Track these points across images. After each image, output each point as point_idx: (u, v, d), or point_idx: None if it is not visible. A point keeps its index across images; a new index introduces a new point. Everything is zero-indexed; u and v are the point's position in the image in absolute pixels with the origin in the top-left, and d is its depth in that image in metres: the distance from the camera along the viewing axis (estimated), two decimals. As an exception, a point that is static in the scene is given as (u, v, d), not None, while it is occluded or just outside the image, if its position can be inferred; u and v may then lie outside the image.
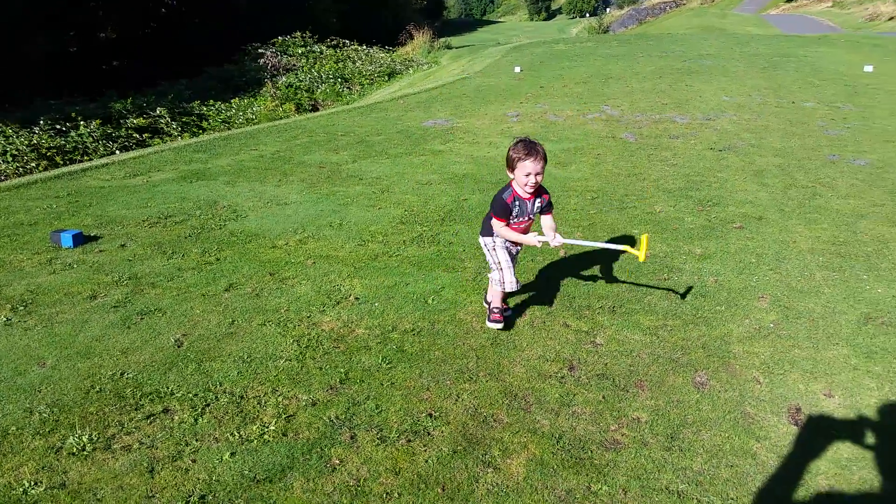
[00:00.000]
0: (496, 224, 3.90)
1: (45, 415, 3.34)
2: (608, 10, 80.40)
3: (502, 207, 3.83)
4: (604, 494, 2.85)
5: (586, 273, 5.00)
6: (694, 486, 2.90)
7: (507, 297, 4.31)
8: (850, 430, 3.27)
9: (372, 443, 3.17)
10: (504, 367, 3.80)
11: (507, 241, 4.02)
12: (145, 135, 16.10)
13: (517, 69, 15.97)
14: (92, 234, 5.71)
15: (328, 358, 3.89)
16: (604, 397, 3.53)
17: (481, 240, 4.14)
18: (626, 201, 6.63)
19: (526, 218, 3.94)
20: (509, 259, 4.06)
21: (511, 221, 3.90)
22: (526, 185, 3.73)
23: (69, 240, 5.41)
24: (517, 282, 4.05)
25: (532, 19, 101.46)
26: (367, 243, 5.62)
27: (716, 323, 4.28)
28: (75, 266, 5.09)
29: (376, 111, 11.85)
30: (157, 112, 17.31)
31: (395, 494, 2.84)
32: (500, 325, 4.16)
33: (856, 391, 3.57)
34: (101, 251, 5.39)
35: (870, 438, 3.22)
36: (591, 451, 3.12)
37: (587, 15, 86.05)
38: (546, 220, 4.01)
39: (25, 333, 4.12)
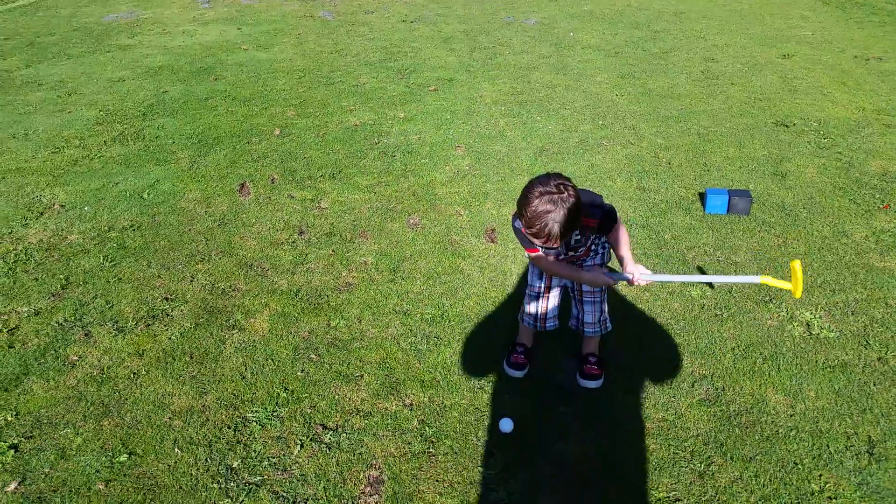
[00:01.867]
0: (528, 257, 2.68)
1: None
2: None
3: (520, 238, 2.53)
4: (342, 327, 3.21)
5: (303, 147, 5.17)
6: (415, 304, 3.38)
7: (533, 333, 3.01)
8: (533, 237, 3.98)
9: (109, 335, 3.15)
10: (236, 244, 3.92)
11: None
12: None
13: (201, -47, 14.79)
14: None
15: (43, 268, 3.67)
16: (333, 251, 3.84)
17: None
18: (332, 77, 6.80)
19: (556, 254, 2.63)
20: (541, 285, 2.81)
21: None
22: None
23: None
24: (541, 320, 2.84)
25: None
26: (62, 150, 5.16)
27: (422, 173, 4.76)
28: None
29: (43, 9, 10.34)
30: None
31: (143, 372, 2.92)
32: (514, 372, 2.91)
33: (536, 208, 4.29)
34: None
35: (547, 241, 3.95)
36: (328, 297, 3.44)
37: None
38: (614, 244, 2.57)
39: None
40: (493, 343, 3.10)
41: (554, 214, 2.18)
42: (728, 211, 4.18)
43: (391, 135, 5.41)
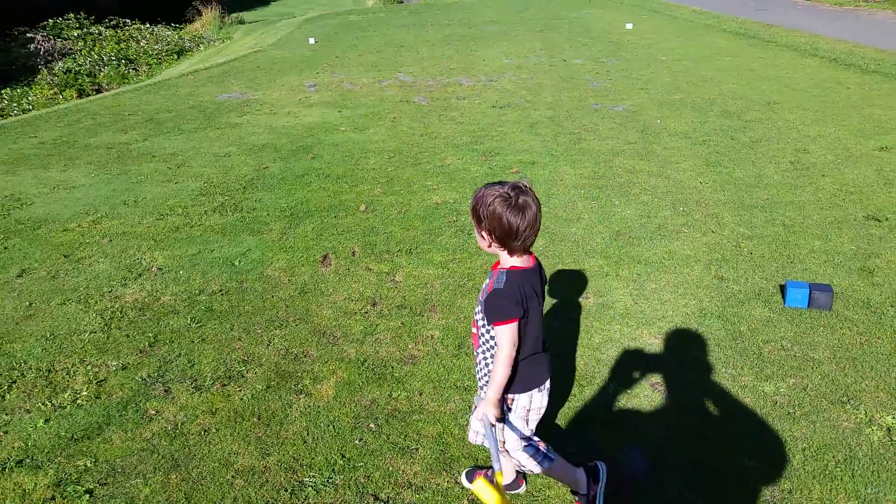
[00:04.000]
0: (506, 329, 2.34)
1: None
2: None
3: (509, 303, 2.32)
4: (403, 399, 3.28)
5: (384, 223, 5.40)
6: (477, 380, 3.41)
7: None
8: (602, 320, 3.97)
9: (187, 392, 3.35)
10: (312, 312, 4.11)
11: None
12: None
13: (312, 41, 15.98)
14: None
15: (135, 326, 3.97)
16: (402, 323, 3.96)
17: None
18: (420, 158, 7.11)
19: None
20: None
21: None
22: None
23: None
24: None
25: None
26: (165, 217, 5.60)
27: (497, 252, 4.86)
28: None
29: (165, 88, 11.40)
30: None
31: (213, 430, 3.07)
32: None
33: (606, 291, 4.29)
34: None
35: (615, 325, 3.93)
36: (392, 368, 3.54)
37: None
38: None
39: None
40: (549, 425, 3.08)
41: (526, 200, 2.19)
42: (809, 305, 4.04)
43: (468, 213, 5.56)
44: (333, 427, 3.09)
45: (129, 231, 5.31)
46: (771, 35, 15.03)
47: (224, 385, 3.40)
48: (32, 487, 2.76)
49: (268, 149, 7.56)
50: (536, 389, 2.44)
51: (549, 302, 4.16)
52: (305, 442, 2.99)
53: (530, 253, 2.33)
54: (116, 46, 24.41)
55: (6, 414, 3.20)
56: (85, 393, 3.34)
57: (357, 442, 2.99)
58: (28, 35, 24.51)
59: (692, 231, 5.16)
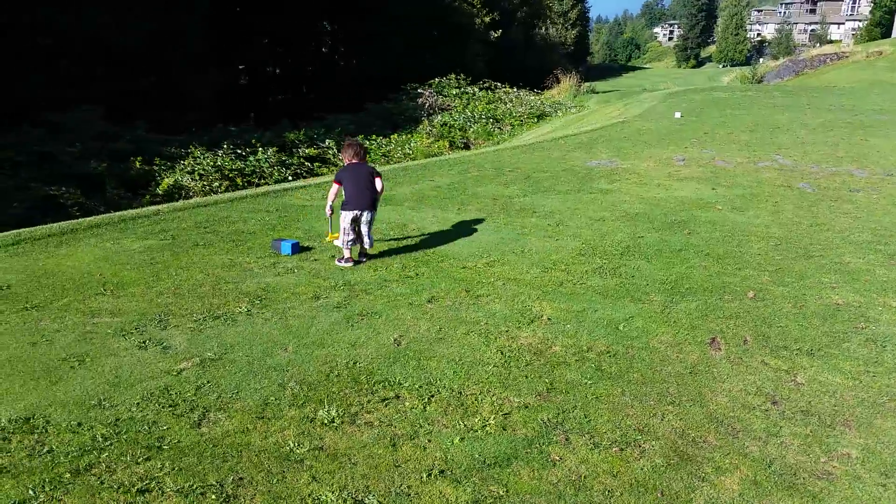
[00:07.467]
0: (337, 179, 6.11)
1: (295, 390, 3.86)
2: (762, 60, 77.66)
3: (340, 174, 6.02)
4: (824, 519, 2.94)
5: (777, 315, 5.02)
6: None
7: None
8: None
9: (586, 446, 3.41)
10: (705, 396, 3.94)
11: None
12: (315, 164, 17.42)
13: (677, 115, 15.92)
14: (305, 245, 6.40)
15: (531, 368, 4.20)
16: (811, 431, 3.59)
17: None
18: (811, 250, 6.53)
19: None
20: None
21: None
22: None
23: (288, 248, 6.10)
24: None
25: (680, 66, 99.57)
26: (549, 270, 5.92)
27: (924, 374, 4.19)
28: (296, 271, 5.75)
29: (538, 150, 12.25)
30: (326, 144, 18.67)
31: (617, 493, 3.07)
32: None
33: None
34: (315, 260, 6.04)
35: None
36: (804, 479, 3.20)
37: (730, 63, 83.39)
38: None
39: (265, 323, 4.74)
40: None
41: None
42: None
43: (880, 322, 4.91)
44: (744, 528, 2.88)
45: (518, 278, 5.71)
46: None
47: (622, 449, 3.40)
48: (454, 500, 3.02)
49: (641, 218, 7.62)
50: (348, 212, 5.67)
51: None
52: (714, 535, 2.83)
53: (363, 160, 6.02)
54: (487, 106, 27.05)
55: (428, 424, 3.58)
56: (492, 422, 3.60)
57: (774, 553, 2.74)
58: (418, 90, 28.52)
59: None
